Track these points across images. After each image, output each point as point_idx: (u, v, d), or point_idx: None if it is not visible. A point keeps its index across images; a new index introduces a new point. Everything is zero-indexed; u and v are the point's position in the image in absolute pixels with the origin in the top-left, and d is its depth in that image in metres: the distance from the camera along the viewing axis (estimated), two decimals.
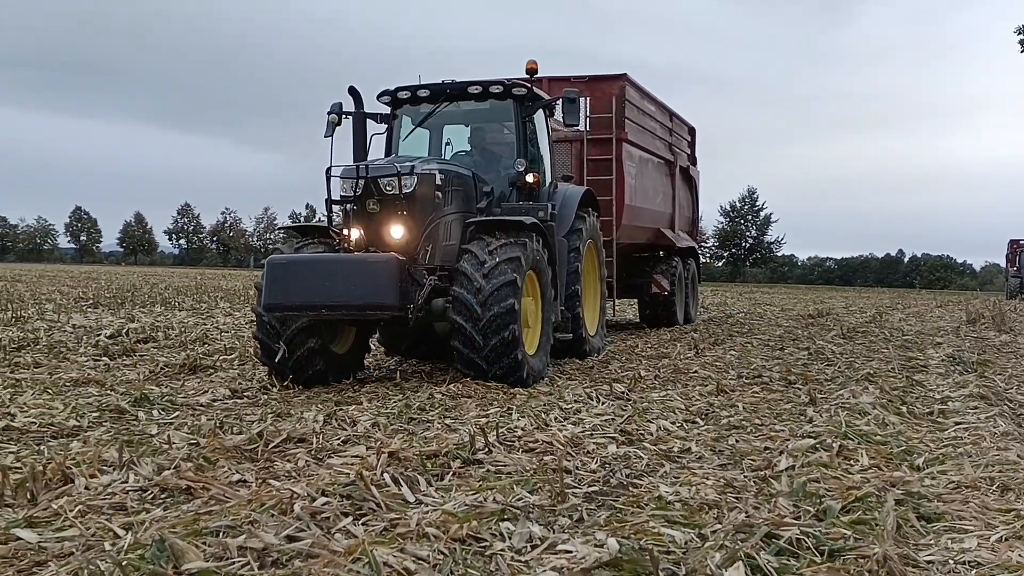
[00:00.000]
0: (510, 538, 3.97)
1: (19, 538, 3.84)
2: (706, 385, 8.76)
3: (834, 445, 5.84)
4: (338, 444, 5.93)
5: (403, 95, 10.49)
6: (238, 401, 7.82)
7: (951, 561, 3.80)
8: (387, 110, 10.70)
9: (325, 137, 9.62)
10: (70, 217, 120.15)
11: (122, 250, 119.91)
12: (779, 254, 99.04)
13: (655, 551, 3.71)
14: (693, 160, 19.53)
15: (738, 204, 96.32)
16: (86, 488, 4.70)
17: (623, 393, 8.19)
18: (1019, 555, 3.80)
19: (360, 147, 10.16)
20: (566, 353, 10.85)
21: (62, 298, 22.19)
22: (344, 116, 9.95)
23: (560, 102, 10.38)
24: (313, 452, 5.67)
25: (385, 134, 10.66)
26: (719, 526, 4.12)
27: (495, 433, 6.09)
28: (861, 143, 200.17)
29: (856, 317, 21.28)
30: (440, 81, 10.42)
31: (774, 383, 9.04)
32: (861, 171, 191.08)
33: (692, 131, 19.61)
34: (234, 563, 3.59)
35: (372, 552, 3.61)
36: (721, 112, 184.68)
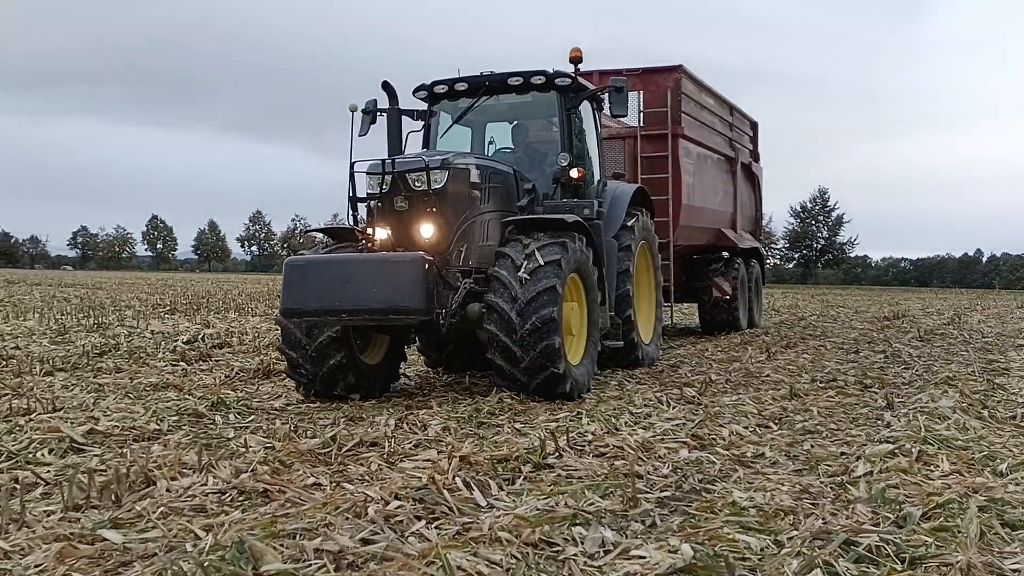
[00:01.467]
0: (582, 543, 3.96)
1: (105, 539, 3.96)
2: (779, 389, 8.63)
3: (913, 450, 5.69)
4: (409, 448, 5.98)
5: (440, 89, 9.90)
6: (311, 405, 7.94)
7: None
8: (424, 106, 10.17)
9: (360, 136, 9.26)
10: (147, 226, 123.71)
11: (196, 257, 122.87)
12: (852, 255, 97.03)
13: (730, 557, 3.67)
14: (756, 156, 18.82)
15: (809, 205, 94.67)
16: (167, 490, 4.83)
17: (694, 397, 8.11)
18: None
19: (395, 145, 9.68)
20: (617, 362, 10.30)
21: (140, 305, 22.84)
22: (379, 113, 9.57)
23: (607, 92, 9.85)
24: (385, 456, 5.72)
25: (422, 132, 10.14)
26: (795, 532, 4.06)
27: (565, 438, 6.08)
28: (935, 141, 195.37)
29: (933, 319, 20.74)
30: (479, 73, 9.82)
31: (849, 387, 8.86)
32: (936, 169, 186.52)
33: (754, 126, 18.93)
34: (311, 565, 3.65)
35: (446, 556, 3.63)
36: (792, 111, 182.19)
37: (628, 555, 3.83)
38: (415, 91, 10.01)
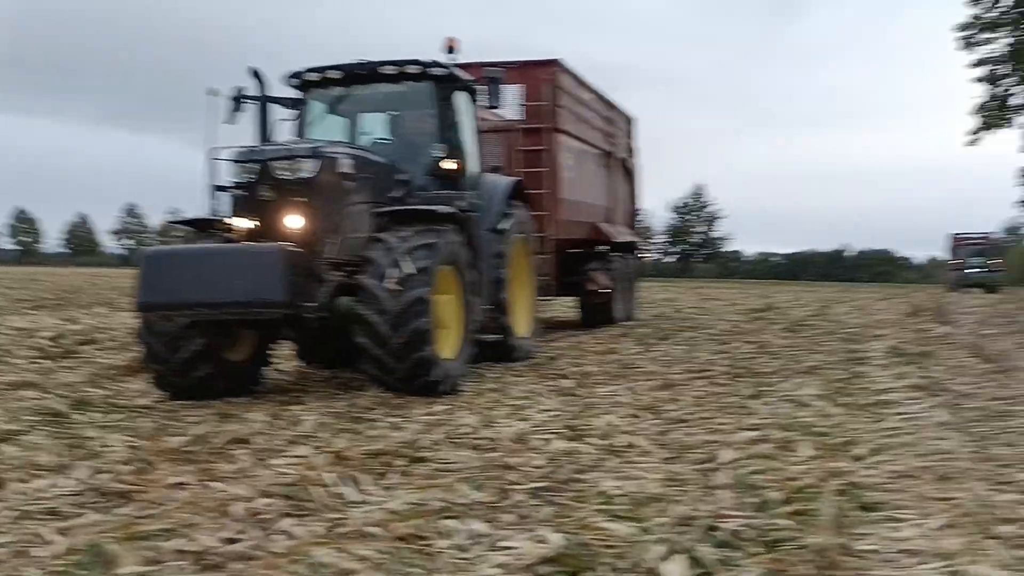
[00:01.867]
0: (453, 536, 3.95)
1: None
2: (653, 380, 8.81)
3: (777, 437, 5.90)
4: (282, 445, 5.85)
5: (312, 77, 9.61)
6: (180, 403, 7.67)
7: (889, 550, 3.85)
8: (296, 94, 9.83)
9: (225, 124, 8.96)
10: (14, 219, 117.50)
11: (70, 251, 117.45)
12: (727, 250, 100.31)
13: (597, 545, 3.72)
14: (633, 152, 19.02)
15: (687, 201, 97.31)
16: (20, 493, 4.59)
17: (571, 389, 8.21)
18: (955, 543, 3.87)
19: (264, 135, 9.42)
20: (492, 356, 10.01)
21: (3, 300, 21.67)
22: (247, 100, 9.26)
23: (482, 83, 9.58)
24: (256, 453, 5.58)
25: (295, 121, 9.79)
26: (662, 520, 4.14)
27: (441, 430, 6.06)
28: (806, 141, 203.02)
29: (801, 311, 21.59)
30: (353, 61, 9.54)
31: (719, 377, 9.12)
32: (806, 167, 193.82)
33: (630, 121, 19.03)
34: (170, 566, 3.52)
35: (312, 552, 3.56)
36: (671, 110, 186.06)
37: (498, 547, 3.83)
38: (286, 78, 9.72)
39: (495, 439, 5.93)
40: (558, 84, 13.83)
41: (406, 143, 9.89)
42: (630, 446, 5.86)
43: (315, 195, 7.86)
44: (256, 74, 9.38)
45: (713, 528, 3.94)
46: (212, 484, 4.79)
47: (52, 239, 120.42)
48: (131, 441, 5.87)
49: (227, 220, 7.96)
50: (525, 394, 7.90)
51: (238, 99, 9.22)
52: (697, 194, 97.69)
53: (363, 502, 4.53)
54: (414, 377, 7.60)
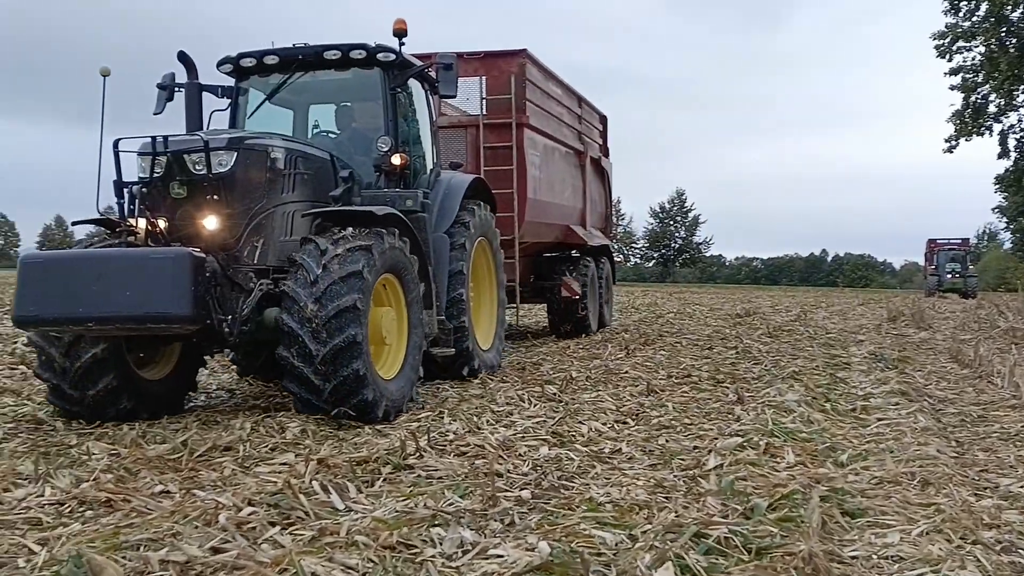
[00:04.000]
0: (441, 544, 3.94)
1: None
2: (637, 385, 8.83)
3: (761, 443, 5.93)
4: (266, 452, 5.83)
5: (247, 63, 8.59)
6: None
7: (874, 556, 3.88)
8: (231, 82, 8.88)
9: (155, 114, 8.20)
10: None
11: None
12: (708, 254, 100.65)
13: (585, 553, 3.72)
14: (605, 151, 17.97)
15: (667, 205, 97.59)
16: (1, 503, 4.54)
17: (555, 395, 8.20)
18: (939, 548, 3.90)
19: (195, 126, 8.39)
20: (450, 372, 9.11)
21: None
22: (176, 88, 8.34)
23: (434, 70, 8.69)
24: (240, 461, 5.56)
25: (228, 111, 8.83)
26: (649, 527, 4.15)
27: (426, 438, 6.04)
28: (787, 146, 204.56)
29: (782, 316, 21.71)
30: (292, 45, 8.60)
31: (703, 382, 9.15)
32: (786, 173, 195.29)
33: (604, 119, 18.11)
34: None
35: (300, 562, 3.55)
36: (652, 114, 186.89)
37: (486, 554, 3.83)
38: (219, 64, 8.75)
39: (481, 446, 5.92)
40: (525, 75, 12.82)
41: (353, 136, 9.02)
42: (616, 452, 5.87)
43: (234, 192, 7.00)
44: (184, 59, 8.37)
45: (701, 535, 3.95)
46: (196, 492, 4.76)
47: (30, 242, 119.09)
48: (112, 449, 5.82)
49: (129, 221, 6.91)
50: (510, 400, 7.89)
51: (166, 87, 8.32)
52: (678, 198, 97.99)
53: (349, 510, 4.51)
54: (343, 397, 6.60)
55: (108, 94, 7.16)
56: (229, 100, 8.82)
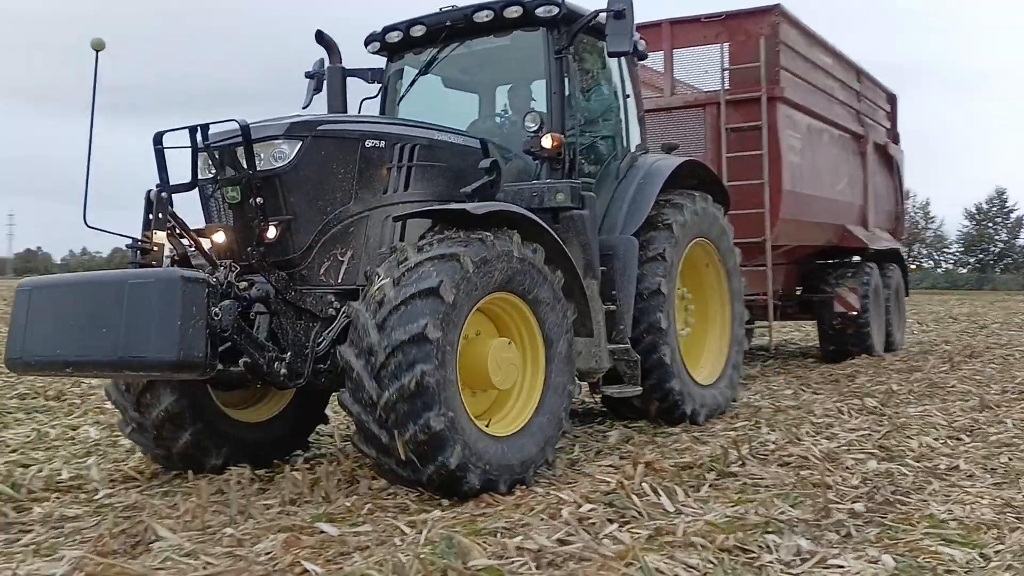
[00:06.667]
0: (777, 550, 3.98)
1: (323, 531, 4.27)
2: (967, 400, 8.27)
3: None
4: (592, 455, 6.13)
5: (394, 38, 7.11)
6: None
7: None
8: (382, 63, 7.46)
9: (303, 108, 7.05)
10: None
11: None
12: None
13: (935, 570, 3.62)
14: (894, 137, 14.80)
15: (985, 206, 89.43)
16: (370, 489, 5.15)
17: (876, 408, 7.88)
18: None
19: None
20: (642, 413, 7.25)
21: None
22: (325, 77, 7.15)
23: (604, 19, 6.39)
24: (569, 462, 5.89)
25: (379, 98, 7.39)
26: (1002, 546, 3.95)
27: (747, 446, 6.07)
28: None
29: None
30: (439, 10, 6.98)
31: None
32: None
33: (892, 99, 15.05)
34: (514, 562, 3.83)
35: (644, 557, 3.74)
36: (966, 108, 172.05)
37: (825, 564, 3.83)
38: (366, 43, 7.35)
39: (804, 457, 5.86)
40: (779, 37, 10.46)
41: (517, 114, 7.20)
42: (952, 469, 5.59)
43: (299, 192, 5.40)
44: (323, 39, 7.04)
45: None
46: (535, 488, 5.12)
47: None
48: None
49: (157, 233, 5.15)
50: (828, 412, 7.70)
51: (314, 75, 7.20)
52: (998, 198, 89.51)
53: (680, 512, 4.66)
54: (422, 462, 4.81)
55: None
56: (380, 85, 7.40)
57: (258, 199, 5.21)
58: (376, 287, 4.99)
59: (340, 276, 5.56)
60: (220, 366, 4.73)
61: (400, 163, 5.88)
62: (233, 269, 5.06)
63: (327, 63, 7.14)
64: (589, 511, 4.53)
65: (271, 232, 5.28)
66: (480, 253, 5.08)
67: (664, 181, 7.23)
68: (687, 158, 7.83)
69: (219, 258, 5.20)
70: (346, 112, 7.01)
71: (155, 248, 5.14)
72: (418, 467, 4.81)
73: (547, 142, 6.39)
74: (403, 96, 7.27)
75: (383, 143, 5.80)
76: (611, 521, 4.43)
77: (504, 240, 5.30)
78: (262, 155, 5.27)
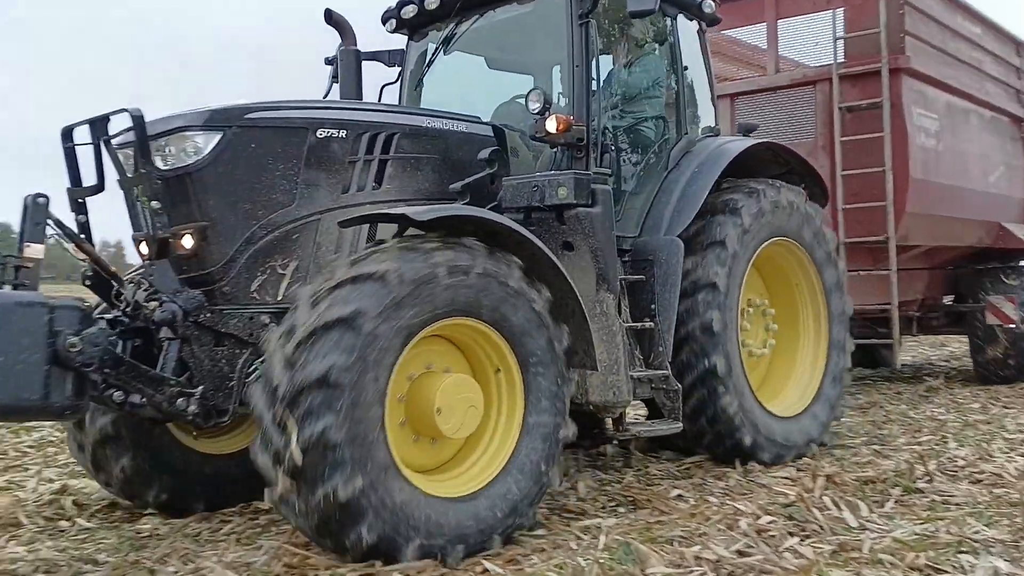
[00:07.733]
0: (972, 571, 3.80)
1: None
2: None
3: None
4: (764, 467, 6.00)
5: (409, 12, 6.20)
6: None
7: None
8: (402, 44, 6.56)
9: (325, 97, 6.13)
10: None
11: None
12: None
13: None
14: None
15: None
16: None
17: None
18: None
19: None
20: (685, 451, 6.18)
21: None
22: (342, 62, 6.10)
23: None
24: (743, 472, 5.78)
25: (398, 81, 6.48)
26: None
27: (934, 462, 5.80)
28: None
29: None
30: None
31: None
32: None
33: None
34: (692, 571, 3.82)
35: (829, 574, 3.65)
36: None
37: None
38: (383, 21, 6.52)
39: (997, 474, 5.54)
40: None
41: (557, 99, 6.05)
42: None
43: (215, 193, 4.48)
44: (333, 19, 5.99)
45: None
46: (709, 498, 5.06)
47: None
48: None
49: (29, 245, 4.08)
50: (1021, 428, 7.24)
51: (334, 61, 6.14)
52: None
53: (864, 528, 4.50)
54: (340, 533, 3.78)
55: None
56: (400, 68, 6.50)
57: (170, 202, 4.42)
58: (294, 309, 4.00)
59: (281, 292, 4.60)
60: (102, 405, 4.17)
61: (369, 156, 4.96)
62: (141, 285, 4.42)
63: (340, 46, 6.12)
64: (768, 523, 4.46)
65: (187, 242, 4.44)
66: (418, 271, 3.98)
67: (723, 169, 5.99)
68: (759, 140, 6.58)
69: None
70: (361, 99, 6.02)
71: (28, 265, 4.03)
72: (337, 538, 3.80)
73: (551, 125, 5.16)
74: (419, 82, 6.32)
75: (343, 132, 4.86)
76: (791, 534, 4.33)
77: (463, 251, 4.20)
78: (171, 150, 4.49)
